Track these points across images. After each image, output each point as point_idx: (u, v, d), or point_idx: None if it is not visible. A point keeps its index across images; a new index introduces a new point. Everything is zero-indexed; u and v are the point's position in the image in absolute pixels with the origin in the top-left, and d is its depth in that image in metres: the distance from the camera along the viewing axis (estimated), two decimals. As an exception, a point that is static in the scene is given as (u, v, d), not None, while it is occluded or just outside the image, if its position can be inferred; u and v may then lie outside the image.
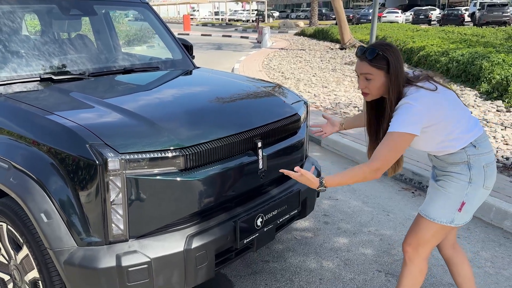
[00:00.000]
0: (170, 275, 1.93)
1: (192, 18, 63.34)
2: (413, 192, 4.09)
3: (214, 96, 2.61)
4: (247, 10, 53.87)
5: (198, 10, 66.31)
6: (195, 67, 3.44)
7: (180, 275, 1.96)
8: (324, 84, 9.09)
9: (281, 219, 2.42)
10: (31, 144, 1.97)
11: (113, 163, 1.80)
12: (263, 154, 2.31)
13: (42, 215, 1.86)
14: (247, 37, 25.43)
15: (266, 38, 18.93)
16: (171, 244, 1.94)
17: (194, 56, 3.70)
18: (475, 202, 2.04)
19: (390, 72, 1.94)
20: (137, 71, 2.97)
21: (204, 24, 44.16)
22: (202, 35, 27.81)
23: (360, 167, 1.93)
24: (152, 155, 1.88)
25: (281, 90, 2.91)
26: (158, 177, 1.90)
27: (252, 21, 46.55)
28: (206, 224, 2.08)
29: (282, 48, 16.83)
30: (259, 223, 2.26)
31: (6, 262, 2.24)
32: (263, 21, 42.80)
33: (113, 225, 1.85)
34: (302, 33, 23.29)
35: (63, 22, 3.11)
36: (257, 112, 2.45)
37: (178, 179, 1.94)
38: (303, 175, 1.97)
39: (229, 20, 52.41)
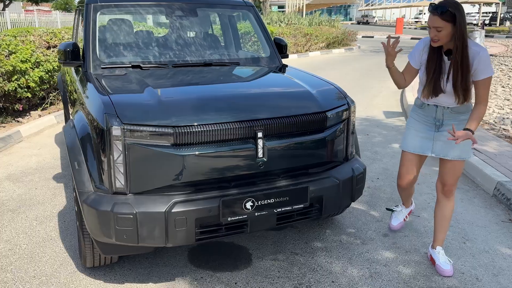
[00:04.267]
0: (152, 229, 2.34)
1: (416, 21, 60.84)
2: (520, 227, 3.46)
3: (242, 87, 2.88)
4: (480, 13, 48.57)
5: (425, 13, 63.08)
6: (280, 64, 3.70)
7: (161, 232, 2.35)
8: None
9: (280, 209, 2.54)
10: (86, 112, 2.64)
11: (116, 130, 2.30)
12: (265, 145, 2.48)
13: (75, 163, 2.51)
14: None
15: (477, 42, 16.98)
16: (157, 204, 2.34)
17: (287, 55, 3.95)
18: None
19: (456, 24, 2.46)
20: (215, 65, 3.43)
21: (424, 28, 41.83)
22: (411, 38, 26.62)
23: (479, 110, 2.54)
24: (148, 129, 2.32)
25: (327, 89, 2.95)
26: (152, 147, 2.32)
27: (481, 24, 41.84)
28: (193, 195, 2.40)
29: (492, 55, 14.93)
30: (248, 206, 2.45)
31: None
32: (489, 25, 37.99)
33: (116, 179, 2.36)
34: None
35: (174, 22, 3.79)
36: (268, 106, 2.60)
37: (169, 152, 2.32)
38: (459, 137, 2.41)
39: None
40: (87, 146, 2.51)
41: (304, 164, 2.65)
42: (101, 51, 3.31)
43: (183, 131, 2.33)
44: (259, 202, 2.48)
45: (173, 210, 2.33)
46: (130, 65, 3.25)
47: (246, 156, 2.46)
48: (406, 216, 3.39)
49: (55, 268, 2.88)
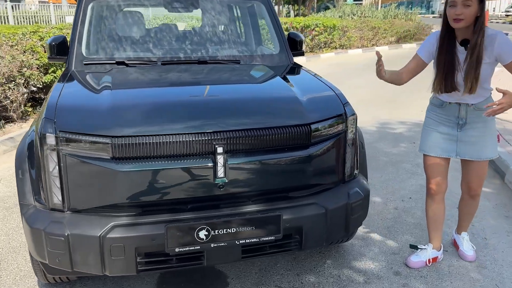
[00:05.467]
0: (86, 256, 2.01)
1: (507, 15, 55.65)
2: None
3: (215, 92, 2.44)
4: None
5: (517, 7, 57.53)
6: (289, 63, 3.21)
7: (96, 259, 2.01)
8: None
9: (244, 241, 2.10)
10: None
11: (50, 138, 1.99)
12: (226, 162, 2.05)
13: (20, 172, 2.24)
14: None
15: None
16: (93, 227, 2.00)
17: (303, 52, 3.44)
18: None
19: (482, 2, 2.32)
20: (209, 63, 3.03)
21: (514, 22, 38.10)
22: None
23: None
24: (85, 138, 1.98)
25: (322, 97, 2.44)
26: (90, 160, 1.98)
27: None
28: (136, 219, 2.03)
29: None
30: (202, 236, 2.04)
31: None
32: None
33: (53, 194, 2.06)
34: None
35: (181, 16, 3.44)
36: (235, 115, 2.16)
37: (108, 166, 1.97)
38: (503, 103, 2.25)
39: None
40: (32, 156, 2.23)
41: (278, 187, 2.18)
42: (87, 46, 3.04)
43: (123, 142, 1.97)
44: (216, 231, 2.06)
45: (108, 236, 1.98)
46: (115, 62, 2.94)
47: (202, 175, 2.04)
48: (430, 260, 2.80)
49: (16, 280, 2.67)
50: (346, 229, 2.36)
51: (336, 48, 15.36)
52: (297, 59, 3.45)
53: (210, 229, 2.04)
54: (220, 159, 2.04)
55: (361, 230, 3.22)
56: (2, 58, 5.48)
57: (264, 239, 2.13)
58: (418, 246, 2.88)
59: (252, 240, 2.12)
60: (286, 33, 3.47)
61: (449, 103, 2.57)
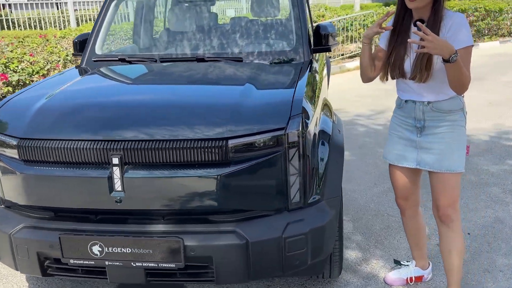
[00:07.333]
0: (3, 251, 2.06)
1: None
2: None
3: (156, 96, 2.22)
4: None
5: None
6: (304, 59, 2.76)
7: (9, 256, 2.04)
8: None
9: (141, 264, 1.88)
10: None
11: None
12: (124, 175, 1.85)
13: None
14: None
15: None
16: (8, 223, 2.04)
17: (329, 47, 2.92)
18: None
19: None
20: (208, 61, 2.80)
21: None
22: None
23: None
24: (1, 137, 2.02)
25: (272, 107, 2.03)
26: (6, 159, 2.02)
27: None
28: (40, 223, 2.00)
29: None
30: (95, 251, 1.89)
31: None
32: None
33: None
34: None
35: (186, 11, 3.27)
36: (141, 123, 1.91)
37: (15, 167, 1.98)
38: (430, 38, 1.77)
39: None
40: None
41: (185, 208, 1.89)
42: (100, 42, 3.12)
43: (27, 144, 1.94)
44: (110, 248, 1.89)
45: (15, 235, 1.99)
46: (118, 59, 2.96)
47: (99, 187, 1.88)
48: (412, 279, 2.45)
49: None
50: (282, 268, 1.94)
51: (504, 36, 13.00)
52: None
53: (103, 245, 1.89)
54: (116, 171, 1.86)
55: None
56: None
57: (163, 265, 1.88)
58: (401, 262, 2.56)
59: (150, 265, 1.89)
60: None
61: (405, 101, 2.14)
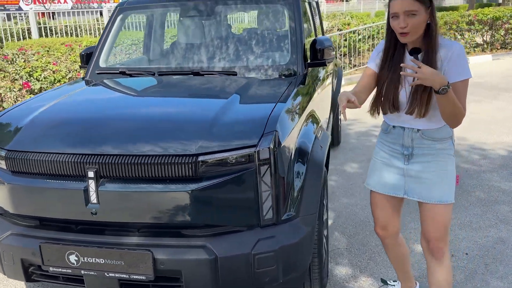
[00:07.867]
0: (-10, 258, 2.18)
1: None
2: None
3: (132, 109, 2.30)
4: None
5: None
6: (297, 74, 2.77)
7: (-5, 262, 2.16)
8: None
9: (114, 275, 1.94)
10: None
11: None
12: (99, 188, 1.92)
13: None
14: None
15: None
16: (-2, 231, 2.16)
17: (324, 61, 2.91)
18: None
19: (431, 6, 1.85)
20: (203, 74, 2.86)
21: None
22: None
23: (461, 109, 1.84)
24: (-9, 150, 2.15)
25: (246, 122, 2.05)
26: (-2, 169, 2.15)
27: None
28: (24, 231, 2.10)
29: None
30: (72, 260, 1.97)
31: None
32: None
33: None
34: None
35: (184, 24, 3.33)
36: (117, 137, 1.98)
37: (3, 178, 2.10)
38: (423, 70, 1.71)
39: None
40: None
41: (156, 221, 1.93)
42: (104, 56, 3.24)
43: (13, 156, 2.05)
44: (85, 258, 1.96)
45: (2, 242, 2.11)
46: (118, 72, 3.06)
47: (76, 198, 1.96)
48: None
49: None
50: (251, 284, 1.95)
51: (542, 45, 12.47)
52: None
53: (79, 254, 1.96)
54: (91, 184, 1.93)
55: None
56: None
57: (134, 277, 1.94)
58: (388, 282, 2.53)
59: (122, 276, 1.95)
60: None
61: (393, 126, 2.05)
